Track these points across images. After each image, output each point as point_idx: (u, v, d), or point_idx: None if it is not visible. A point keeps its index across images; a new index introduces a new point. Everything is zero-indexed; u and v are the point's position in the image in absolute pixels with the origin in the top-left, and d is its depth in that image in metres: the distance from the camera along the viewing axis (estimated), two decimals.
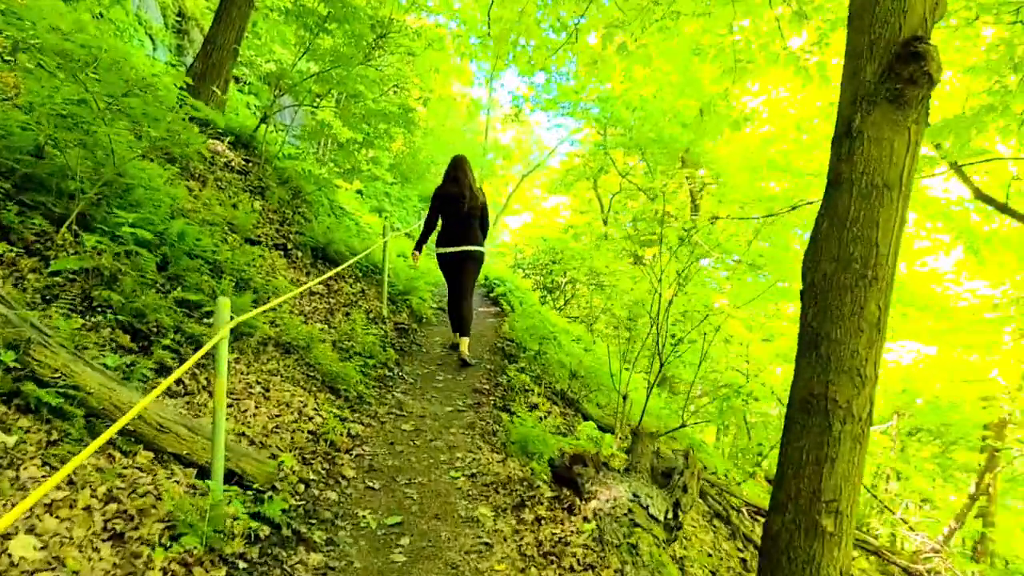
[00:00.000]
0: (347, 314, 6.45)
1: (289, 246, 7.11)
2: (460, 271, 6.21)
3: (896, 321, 12.02)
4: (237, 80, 12.83)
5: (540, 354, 6.74)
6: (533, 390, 6.08)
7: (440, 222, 6.30)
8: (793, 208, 8.02)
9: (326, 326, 5.94)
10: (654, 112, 15.06)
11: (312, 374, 4.96)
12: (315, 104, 9.04)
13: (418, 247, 6.53)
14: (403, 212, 17.43)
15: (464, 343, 6.21)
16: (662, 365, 5.02)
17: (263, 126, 8.63)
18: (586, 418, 6.36)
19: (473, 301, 6.52)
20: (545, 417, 5.66)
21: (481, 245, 6.20)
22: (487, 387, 5.82)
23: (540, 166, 34.85)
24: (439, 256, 6.30)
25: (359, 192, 20.01)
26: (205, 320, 4.53)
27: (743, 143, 12.98)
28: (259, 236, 6.86)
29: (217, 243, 5.59)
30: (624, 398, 5.49)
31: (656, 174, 16.85)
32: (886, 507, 12.00)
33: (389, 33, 8.06)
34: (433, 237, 6.48)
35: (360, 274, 7.80)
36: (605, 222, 20.77)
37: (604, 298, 10.33)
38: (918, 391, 11.99)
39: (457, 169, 6.24)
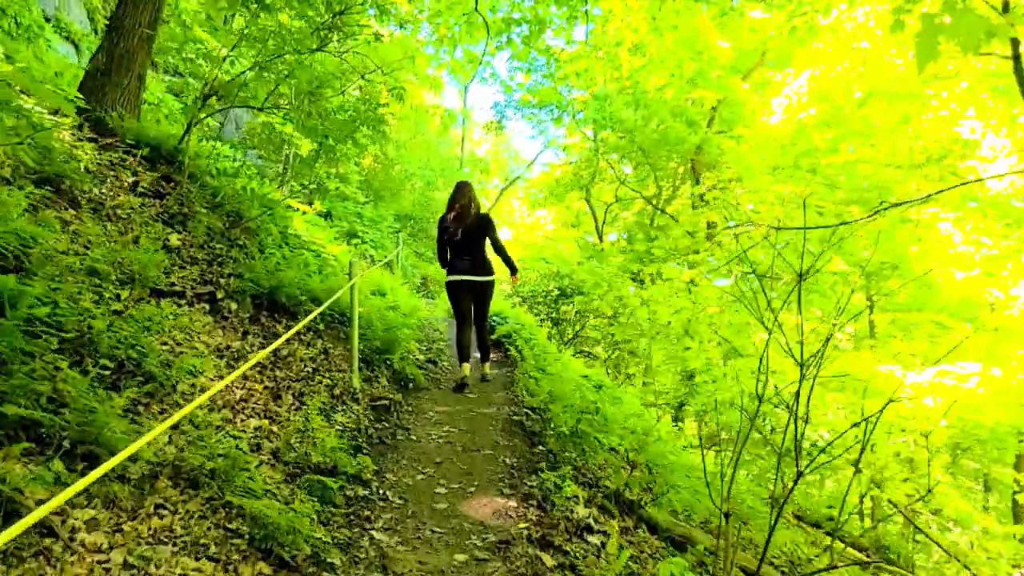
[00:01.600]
0: (299, 396, 4.44)
1: (219, 295, 5.09)
2: (467, 298, 6.14)
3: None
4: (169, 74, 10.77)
5: (577, 434, 4.78)
6: (578, 497, 4.11)
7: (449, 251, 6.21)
8: (889, 207, 6.17)
9: (266, 422, 3.92)
10: (660, 109, 13.25)
11: (234, 527, 2.95)
12: (260, 106, 7.04)
13: (443, 265, 6.32)
14: (377, 234, 15.40)
15: (483, 367, 6.38)
16: (799, 477, 3.09)
17: (190, 135, 6.60)
18: (652, 529, 4.41)
19: (485, 331, 6.36)
20: (603, 546, 3.70)
21: (490, 271, 6.12)
22: (514, 504, 3.84)
23: (520, 179, 33.04)
24: (446, 284, 6.20)
25: (326, 215, 17.98)
26: (28, 461, 2.55)
27: (772, 135, 11.20)
28: (172, 284, 4.83)
29: (88, 305, 3.58)
30: (727, 517, 3.54)
31: (664, 179, 15.06)
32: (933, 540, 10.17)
33: (351, 7, 6.10)
34: None
35: (322, 326, 5.79)
36: (600, 236, 18.90)
37: (647, 341, 8.43)
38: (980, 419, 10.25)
39: (455, 195, 6.11)
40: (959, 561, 9.98)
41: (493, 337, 7.76)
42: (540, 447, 4.79)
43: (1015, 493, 12.02)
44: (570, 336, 9.74)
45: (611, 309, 8.45)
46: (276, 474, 3.46)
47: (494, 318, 8.31)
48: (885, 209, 6.34)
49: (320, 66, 7.26)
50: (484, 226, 5.97)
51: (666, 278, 17.32)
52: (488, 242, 6.06)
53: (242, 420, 3.81)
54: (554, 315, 9.68)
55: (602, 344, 11.45)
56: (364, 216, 16.16)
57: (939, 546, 9.90)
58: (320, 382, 4.73)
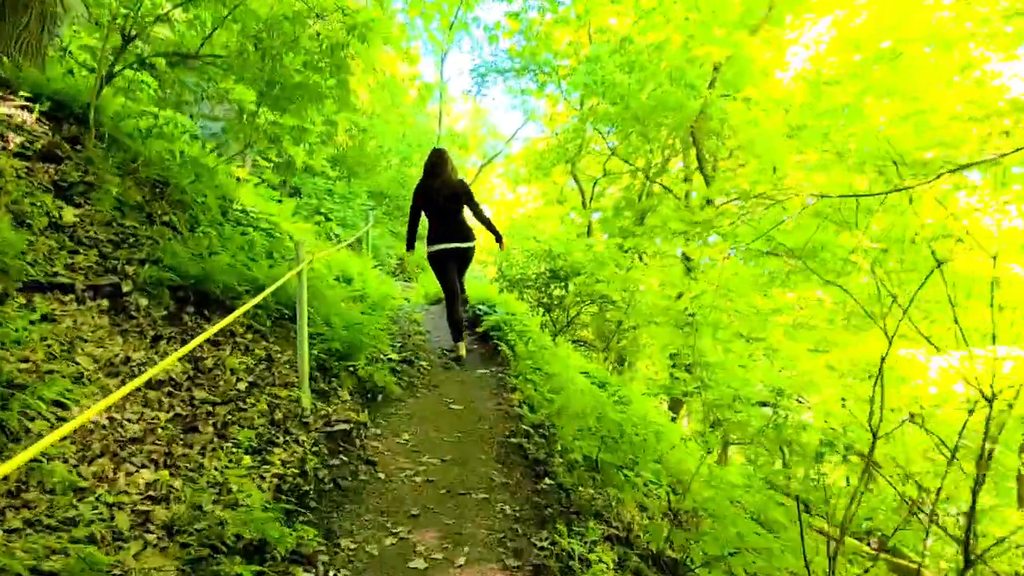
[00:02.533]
0: (224, 427, 3.25)
1: (125, 287, 3.88)
2: (453, 268, 5.98)
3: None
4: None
5: (596, 465, 3.66)
6: (605, 562, 3.01)
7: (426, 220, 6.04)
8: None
9: (166, 474, 2.74)
10: (657, 72, 12.05)
11: None
12: (195, 53, 5.76)
13: (409, 247, 6.22)
14: (348, 212, 14.09)
15: (461, 347, 6.02)
16: (969, 567, 1.98)
17: (101, 88, 5.31)
18: None
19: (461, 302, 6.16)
20: None
21: (471, 237, 6.00)
22: None
23: (500, 155, 31.70)
24: (428, 255, 6.02)
25: (294, 192, 16.65)
26: None
27: (787, 95, 10.06)
28: (54, 274, 3.61)
29: None
30: None
31: (659, 151, 13.93)
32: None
33: None
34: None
35: (267, 325, 4.59)
36: (587, 211, 17.74)
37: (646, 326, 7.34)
38: None
39: (431, 163, 5.97)
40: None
41: (479, 330, 6.60)
42: (547, 480, 3.67)
43: (1019, 478, 11.26)
44: (563, 324, 8.63)
45: (618, 294, 7.33)
46: (167, 562, 2.29)
47: (480, 307, 7.14)
48: (951, 172, 5.23)
49: (267, 8, 5.98)
50: (464, 193, 5.85)
51: (662, 255, 16.25)
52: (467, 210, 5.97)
53: (128, 475, 2.62)
54: (545, 300, 8.54)
55: (590, 329, 10.35)
56: (335, 193, 14.85)
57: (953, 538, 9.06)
58: (255, 404, 3.54)
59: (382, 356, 5.28)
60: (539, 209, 27.04)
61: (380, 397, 4.60)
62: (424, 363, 5.73)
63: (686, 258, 14.16)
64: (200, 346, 3.80)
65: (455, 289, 5.92)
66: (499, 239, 6.09)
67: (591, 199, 17.73)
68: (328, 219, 12.89)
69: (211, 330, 2.72)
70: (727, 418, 4.34)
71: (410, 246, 6.17)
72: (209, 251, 4.77)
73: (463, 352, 5.96)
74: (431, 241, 5.90)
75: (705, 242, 8.86)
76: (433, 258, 5.93)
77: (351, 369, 4.62)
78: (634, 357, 14.05)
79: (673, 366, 8.02)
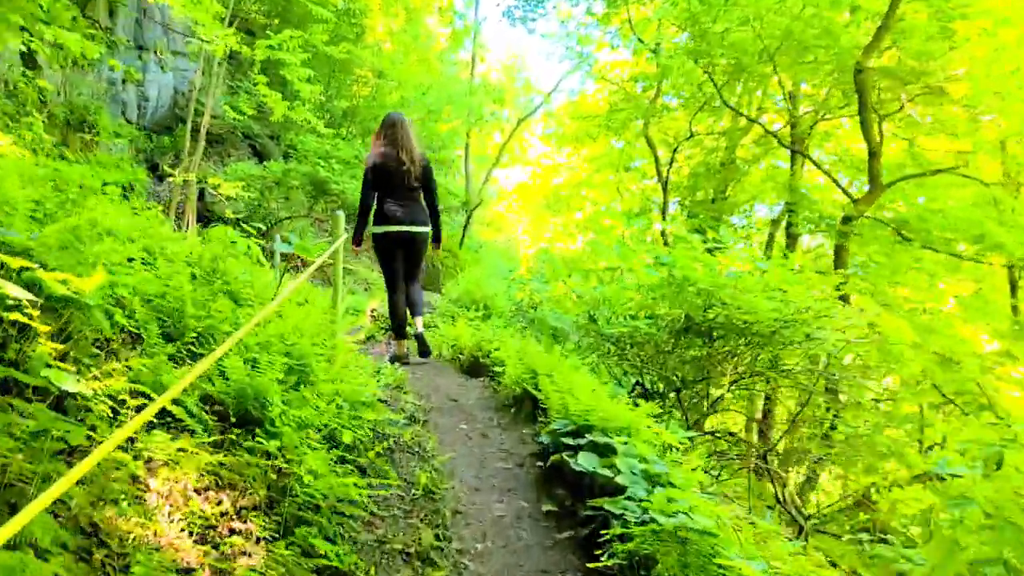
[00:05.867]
0: None
1: None
2: (405, 257, 5.13)
3: None
4: None
5: None
6: None
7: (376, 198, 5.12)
8: None
9: None
10: None
11: None
12: None
13: (357, 238, 5.16)
14: (351, 184, 10.33)
15: (418, 322, 5.19)
16: None
17: None
18: None
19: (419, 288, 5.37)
20: None
21: (428, 223, 5.16)
22: None
23: (537, 110, 27.44)
24: (376, 238, 5.11)
25: (286, 153, 12.84)
26: None
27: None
28: None
29: None
30: None
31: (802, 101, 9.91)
32: None
33: None
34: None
35: None
36: (665, 186, 13.70)
37: None
38: None
39: (393, 131, 5.04)
40: None
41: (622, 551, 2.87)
42: None
43: None
44: (702, 413, 4.84)
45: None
46: None
47: (565, 436, 3.40)
48: None
49: None
50: (428, 172, 5.11)
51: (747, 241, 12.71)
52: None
53: None
54: (667, 374, 4.73)
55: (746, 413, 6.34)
56: (337, 158, 11.05)
57: None
58: None
59: None
60: (590, 178, 22.93)
61: None
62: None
63: None
64: None
65: (401, 280, 5.15)
66: (438, 238, 5.28)
67: (669, 170, 13.65)
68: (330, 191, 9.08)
69: None
70: None
71: (359, 238, 5.20)
72: None
73: (407, 348, 5.25)
74: (383, 220, 5.06)
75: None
76: (384, 240, 5.09)
77: None
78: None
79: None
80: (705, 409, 4.93)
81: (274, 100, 7.82)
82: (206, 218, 10.45)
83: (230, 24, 8.85)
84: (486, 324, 6.00)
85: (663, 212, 13.28)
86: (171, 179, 7.91)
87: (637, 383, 4.86)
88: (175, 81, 11.99)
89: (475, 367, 5.18)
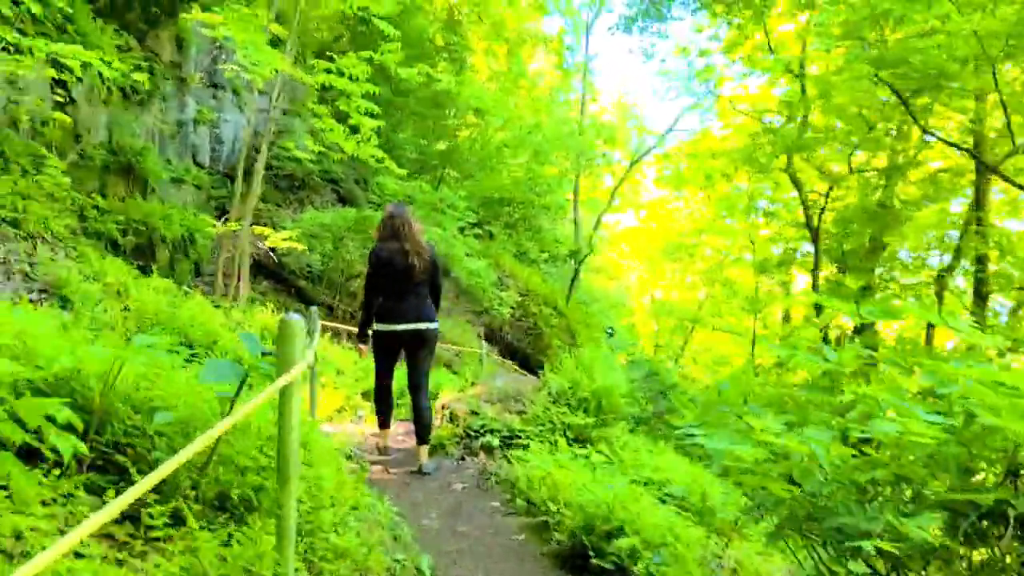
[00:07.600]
0: None
1: None
2: (410, 356, 4.85)
3: None
4: None
5: None
6: None
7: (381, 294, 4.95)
8: None
9: None
10: None
11: None
12: None
13: (362, 336, 5.00)
14: (434, 233, 8.73)
15: (423, 452, 4.86)
16: None
17: None
18: None
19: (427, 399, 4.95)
20: None
21: (434, 318, 4.89)
22: None
23: (650, 151, 25.39)
24: (376, 335, 4.85)
25: (342, 199, 11.52)
26: None
27: None
28: None
29: None
30: None
31: None
32: None
33: None
34: None
35: None
36: (816, 234, 11.28)
37: None
38: None
39: (396, 223, 4.83)
40: None
41: None
42: None
43: None
44: None
45: None
46: None
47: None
48: None
49: None
50: (437, 266, 4.89)
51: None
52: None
53: None
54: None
55: None
56: (420, 198, 9.55)
57: None
58: None
59: None
60: (709, 223, 20.55)
61: None
62: None
63: None
64: None
65: (391, 376, 4.94)
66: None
67: (821, 215, 11.24)
68: None
69: None
70: None
71: (365, 335, 4.97)
72: None
73: (387, 440, 5.09)
74: (387, 317, 4.76)
75: None
76: (386, 339, 4.80)
77: None
78: None
79: None
80: None
81: (336, 134, 6.34)
82: (273, 273, 9.13)
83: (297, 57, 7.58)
84: (602, 449, 4.02)
85: (815, 264, 10.87)
86: (215, 228, 6.54)
87: None
88: (256, 122, 11.02)
89: (578, 556, 3.13)
